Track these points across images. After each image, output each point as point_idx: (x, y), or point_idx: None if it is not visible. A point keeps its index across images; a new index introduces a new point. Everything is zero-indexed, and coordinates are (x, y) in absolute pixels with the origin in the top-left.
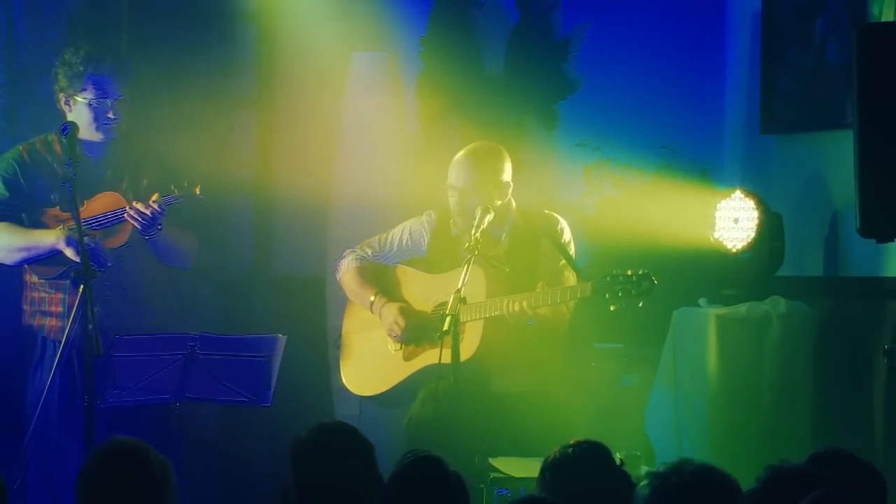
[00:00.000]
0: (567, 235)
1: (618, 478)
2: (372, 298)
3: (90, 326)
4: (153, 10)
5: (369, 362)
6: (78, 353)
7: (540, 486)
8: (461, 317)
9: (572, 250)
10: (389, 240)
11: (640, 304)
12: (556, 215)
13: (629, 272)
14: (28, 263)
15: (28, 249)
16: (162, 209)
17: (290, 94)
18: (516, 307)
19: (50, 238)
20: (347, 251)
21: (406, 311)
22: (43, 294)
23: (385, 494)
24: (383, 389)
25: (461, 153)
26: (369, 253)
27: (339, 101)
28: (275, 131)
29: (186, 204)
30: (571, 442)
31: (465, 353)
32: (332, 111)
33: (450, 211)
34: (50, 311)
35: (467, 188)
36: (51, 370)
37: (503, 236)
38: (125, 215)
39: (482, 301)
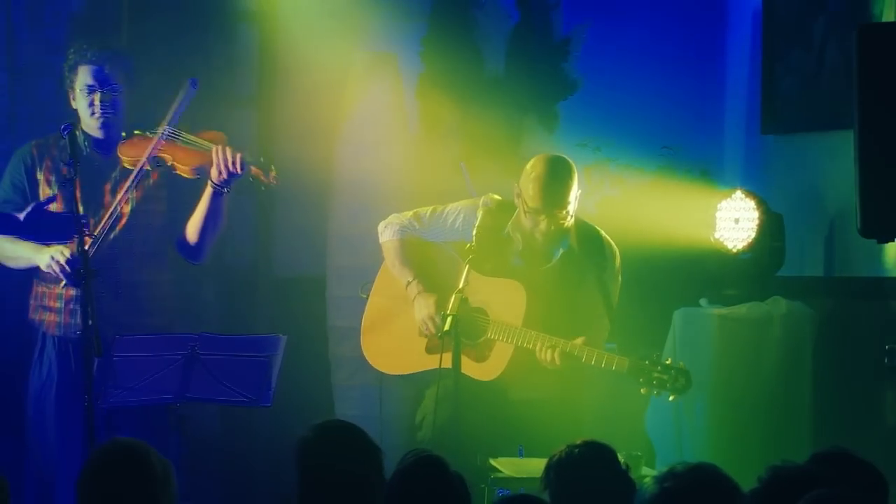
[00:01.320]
0: (617, 265)
1: (622, 479)
2: (410, 279)
3: (90, 326)
4: (154, 9)
5: (393, 340)
6: (76, 351)
7: (544, 485)
8: (492, 333)
9: (617, 288)
10: (442, 219)
11: (671, 399)
12: (612, 244)
13: (668, 362)
14: None
15: (16, 259)
16: (244, 166)
17: (290, 94)
18: (547, 356)
19: (39, 257)
20: (394, 216)
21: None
22: (44, 289)
23: (387, 493)
24: (398, 372)
25: (559, 169)
26: (417, 226)
27: (340, 101)
28: (276, 131)
29: (254, 183)
30: (578, 442)
31: (491, 373)
32: (333, 111)
33: (508, 206)
34: (49, 306)
35: (569, 206)
36: (48, 366)
37: (557, 254)
38: (213, 150)
39: (518, 328)
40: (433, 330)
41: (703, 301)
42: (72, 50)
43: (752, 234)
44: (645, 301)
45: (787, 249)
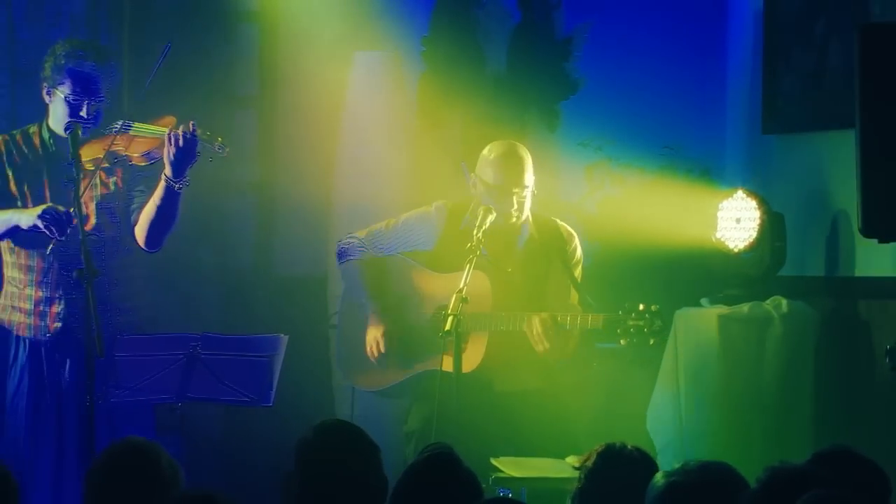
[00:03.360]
0: (579, 253)
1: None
2: (364, 301)
3: (92, 326)
4: (155, 10)
5: (366, 358)
6: (48, 353)
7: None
8: (467, 328)
9: (580, 269)
10: (394, 229)
11: (652, 343)
12: (570, 230)
13: (641, 307)
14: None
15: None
16: (196, 137)
17: (292, 94)
18: (535, 330)
19: (24, 215)
20: (348, 237)
21: (390, 334)
22: (13, 289)
23: (401, 487)
24: (378, 387)
25: (518, 150)
26: (373, 242)
27: (341, 101)
28: (277, 131)
29: (208, 153)
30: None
31: (469, 364)
32: (334, 110)
33: (461, 205)
34: (19, 306)
35: (527, 189)
36: (19, 368)
37: (520, 244)
38: (168, 134)
39: (490, 314)
40: (375, 353)
41: (704, 301)
42: (63, 50)
43: (754, 234)
44: (646, 300)
45: (788, 249)
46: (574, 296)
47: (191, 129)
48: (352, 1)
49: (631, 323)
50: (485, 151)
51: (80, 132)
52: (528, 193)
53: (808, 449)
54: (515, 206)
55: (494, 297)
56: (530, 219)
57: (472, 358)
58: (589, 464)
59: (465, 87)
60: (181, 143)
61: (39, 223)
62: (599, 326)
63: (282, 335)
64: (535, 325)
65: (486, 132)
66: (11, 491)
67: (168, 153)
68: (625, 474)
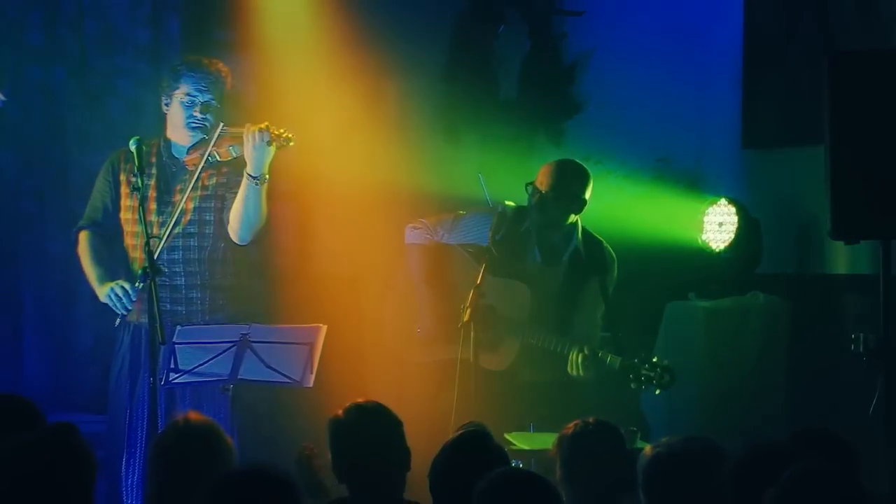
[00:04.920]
0: (615, 275)
1: (624, 450)
2: (423, 280)
3: (155, 317)
4: (204, 45)
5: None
6: (145, 336)
7: (557, 455)
8: (501, 329)
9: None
10: (457, 222)
11: (658, 393)
12: (613, 254)
13: (655, 359)
14: None
15: (87, 276)
16: (268, 134)
17: (334, 114)
18: (576, 361)
19: (100, 290)
20: (420, 221)
21: (436, 316)
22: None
23: (440, 460)
24: (419, 359)
25: (578, 167)
26: (438, 231)
27: (374, 122)
28: (321, 146)
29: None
30: (588, 419)
31: (501, 363)
32: (368, 132)
33: (522, 211)
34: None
35: (573, 202)
36: (123, 347)
37: (569, 249)
38: (246, 134)
39: (525, 325)
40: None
41: (691, 295)
42: (179, 61)
43: (733, 237)
44: (641, 295)
45: (764, 250)
46: (601, 310)
47: (264, 128)
48: (382, 35)
49: (643, 372)
50: (548, 164)
51: (143, 147)
52: (582, 203)
53: (781, 423)
54: (567, 218)
55: (532, 307)
56: (579, 234)
57: (505, 358)
58: (568, 433)
59: (481, 107)
60: (257, 140)
61: (107, 301)
62: (616, 369)
63: (320, 325)
64: (576, 357)
65: (500, 147)
66: (91, 465)
67: (247, 151)
68: (594, 440)
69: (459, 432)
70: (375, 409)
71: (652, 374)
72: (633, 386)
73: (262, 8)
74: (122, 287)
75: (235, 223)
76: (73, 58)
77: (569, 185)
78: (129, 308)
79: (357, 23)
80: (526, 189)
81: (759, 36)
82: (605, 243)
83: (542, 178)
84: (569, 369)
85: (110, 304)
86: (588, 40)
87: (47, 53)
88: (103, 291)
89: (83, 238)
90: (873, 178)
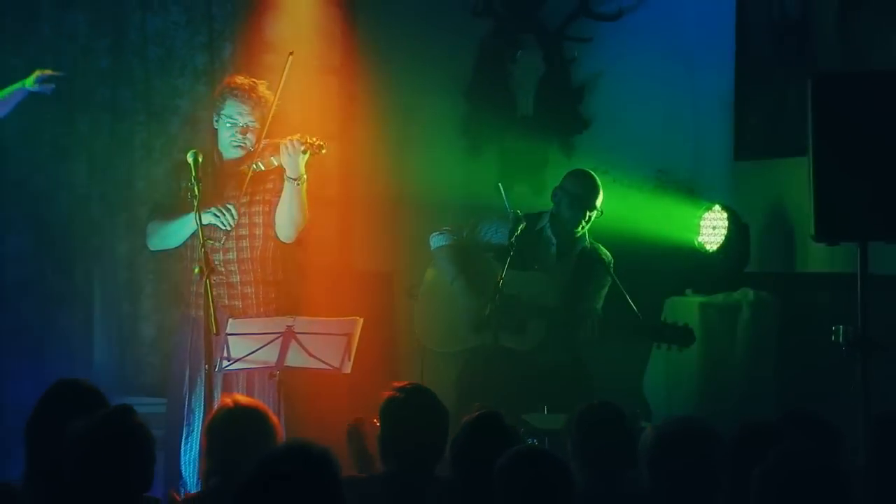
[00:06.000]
0: (612, 272)
1: (627, 430)
2: (455, 276)
3: (210, 311)
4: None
5: (441, 324)
6: (202, 331)
7: (567, 434)
8: (526, 314)
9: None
10: (479, 230)
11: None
12: (610, 256)
13: (678, 322)
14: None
15: (177, 227)
16: (300, 143)
17: (372, 127)
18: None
19: (196, 218)
20: (444, 228)
21: (467, 308)
22: (192, 287)
23: (457, 440)
24: (449, 349)
25: (596, 179)
26: (461, 232)
27: (406, 135)
28: (359, 154)
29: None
30: (594, 402)
31: (528, 344)
32: (400, 143)
33: (532, 217)
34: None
35: (596, 210)
36: (185, 336)
37: (575, 252)
38: (282, 143)
39: (549, 309)
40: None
41: (688, 291)
42: (225, 85)
43: (725, 239)
44: (643, 291)
45: (754, 250)
46: (601, 301)
47: (297, 138)
48: (418, 60)
49: (668, 332)
50: (572, 173)
51: (199, 157)
52: (595, 211)
53: (769, 405)
54: (585, 220)
55: (551, 288)
56: (587, 236)
57: (532, 338)
58: (577, 415)
59: (500, 123)
60: (291, 149)
61: (212, 219)
62: (644, 332)
63: (357, 318)
64: (590, 326)
65: (517, 159)
66: (149, 442)
67: (284, 158)
68: (600, 420)
69: (475, 414)
70: (430, 394)
71: (676, 335)
72: (657, 346)
73: (301, 34)
74: (223, 206)
75: (281, 223)
76: (137, 80)
77: (589, 192)
78: (233, 223)
79: (392, 49)
80: (553, 193)
81: (748, 59)
82: (601, 247)
83: (567, 184)
84: (583, 332)
85: (216, 221)
86: (596, 64)
87: (115, 76)
88: (203, 216)
89: (156, 218)
90: (852, 187)
